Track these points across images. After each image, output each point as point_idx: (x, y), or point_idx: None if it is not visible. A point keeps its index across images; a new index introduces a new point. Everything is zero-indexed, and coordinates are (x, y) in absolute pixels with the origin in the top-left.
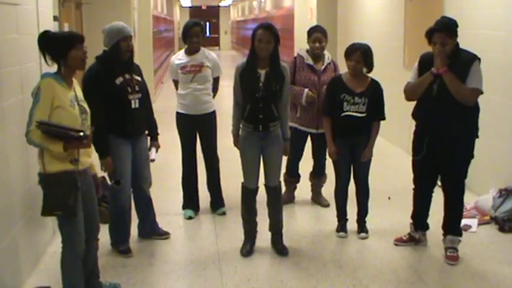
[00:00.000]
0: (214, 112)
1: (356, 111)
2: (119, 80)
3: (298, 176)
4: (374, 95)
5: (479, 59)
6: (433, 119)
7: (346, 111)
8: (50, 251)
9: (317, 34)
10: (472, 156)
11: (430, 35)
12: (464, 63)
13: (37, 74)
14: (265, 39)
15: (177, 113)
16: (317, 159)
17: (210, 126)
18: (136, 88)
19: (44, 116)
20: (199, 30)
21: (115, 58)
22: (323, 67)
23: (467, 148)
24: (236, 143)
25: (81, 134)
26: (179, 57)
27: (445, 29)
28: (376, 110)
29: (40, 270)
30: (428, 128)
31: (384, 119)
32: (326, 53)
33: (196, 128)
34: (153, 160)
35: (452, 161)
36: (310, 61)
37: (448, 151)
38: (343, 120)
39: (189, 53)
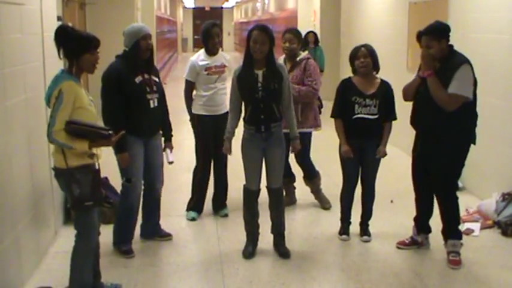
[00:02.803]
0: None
1: (367, 113)
2: (138, 79)
3: (293, 175)
4: (385, 96)
5: (470, 64)
6: (419, 120)
7: (358, 113)
8: (52, 251)
9: (288, 35)
10: (461, 163)
11: (418, 38)
12: (452, 67)
13: (40, 73)
14: (260, 40)
15: (200, 115)
16: (300, 161)
17: (226, 124)
18: (154, 88)
19: (67, 117)
20: (218, 31)
21: (135, 57)
22: (290, 66)
23: (453, 152)
24: (227, 149)
25: (110, 132)
26: (201, 58)
27: (430, 32)
28: (387, 111)
29: (42, 270)
30: (418, 129)
31: (395, 118)
32: (302, 53)
33: (216, 128)
34: (171, 162)
35: (436, 163)
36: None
37: (433, 152)
38: (355, 123)
39: (210, 54)
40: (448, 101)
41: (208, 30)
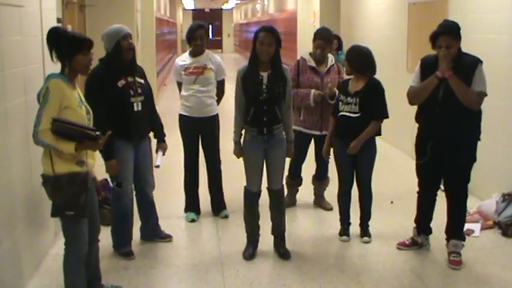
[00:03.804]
0: (216, 116)
1: (349, 111)
2: (121, 83)
3: (301, 178)
4: (368, 94)
5: (481, 62)
6: (439, 123)
7: (341, 111)
8: (51, 253)
9: (319, 41)
10: (474, 160)
11: (434, 38)
12: (468, 66)
13: (40, 75)
14: (267, 42)
15: (180, 115)
16: (320, 161)
17: (213, 129)
18: (139, 91)
19: (53, 116)
20: (203, 33)
21: (118, 58)
22: (326, 69)
23: (471, 152)
24: (237, 152)
25: (98, 133)
26: (183, 58)
27: (451, 32)
28: (373, 109)
29: (42, 272)
30: (433, 132)
31: (385, 117)
32: (329, 56)
33: (199, 130)
34: (157, 166)
35: (456, 165)
36: (312, 63)
37: (452, 155)
38: (340, 121)
39: (193, 54)
40: (477, 99)
41: (192, 31)
